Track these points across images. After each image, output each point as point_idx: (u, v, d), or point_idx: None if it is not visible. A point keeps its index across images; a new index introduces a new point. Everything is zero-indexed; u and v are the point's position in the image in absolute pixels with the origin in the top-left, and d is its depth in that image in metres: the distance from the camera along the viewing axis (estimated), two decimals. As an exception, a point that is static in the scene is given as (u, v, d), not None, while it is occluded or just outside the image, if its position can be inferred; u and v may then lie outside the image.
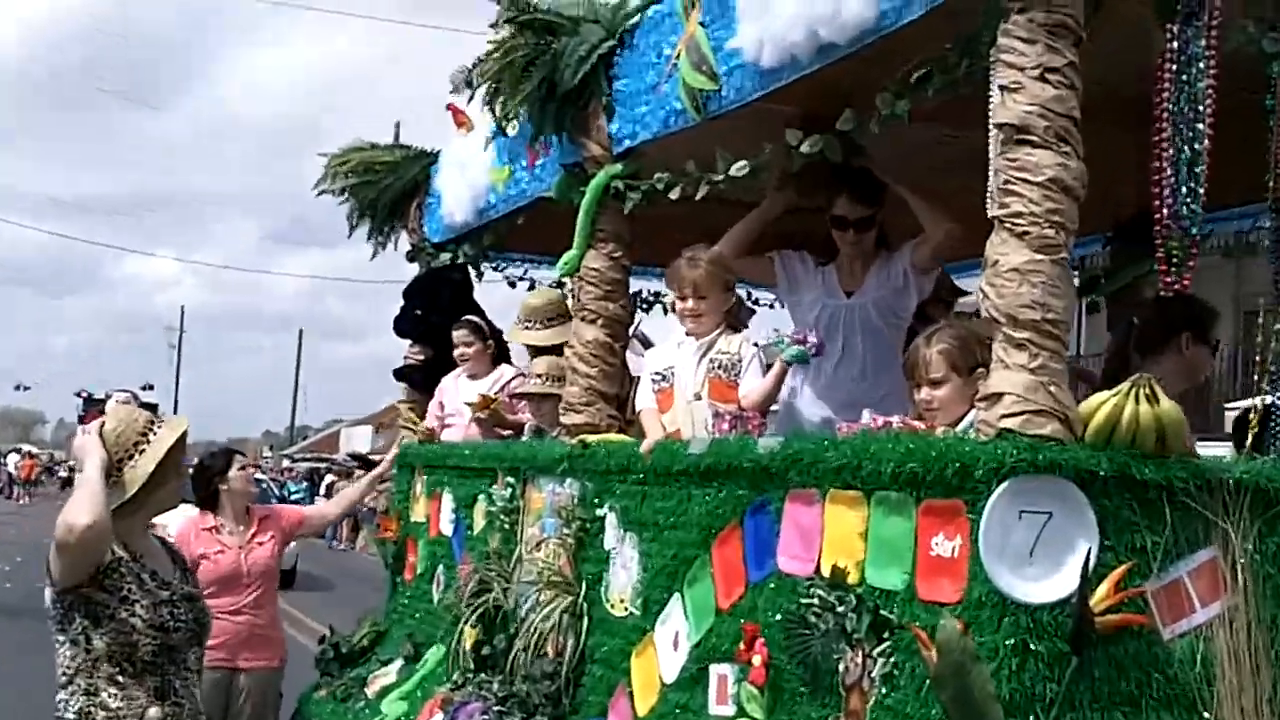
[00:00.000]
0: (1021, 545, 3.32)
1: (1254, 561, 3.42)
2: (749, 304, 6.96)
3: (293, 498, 40.47)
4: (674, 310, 5.44)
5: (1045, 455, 3.29)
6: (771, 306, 7.25)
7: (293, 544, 23.37)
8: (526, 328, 7.06)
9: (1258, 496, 3.44)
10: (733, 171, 4.91)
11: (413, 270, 8.22)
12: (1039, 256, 3.38)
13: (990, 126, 3.66)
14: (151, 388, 48.68)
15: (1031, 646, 3.28)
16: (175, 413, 61.63)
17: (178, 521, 7.42)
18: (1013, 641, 3.29)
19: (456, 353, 7.56)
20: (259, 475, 30.75)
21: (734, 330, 5.29)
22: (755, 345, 5.20)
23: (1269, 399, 4.13)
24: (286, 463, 55.04)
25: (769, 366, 5.06)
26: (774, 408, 5.29)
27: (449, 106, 7.45)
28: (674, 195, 5.26)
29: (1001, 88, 3.48)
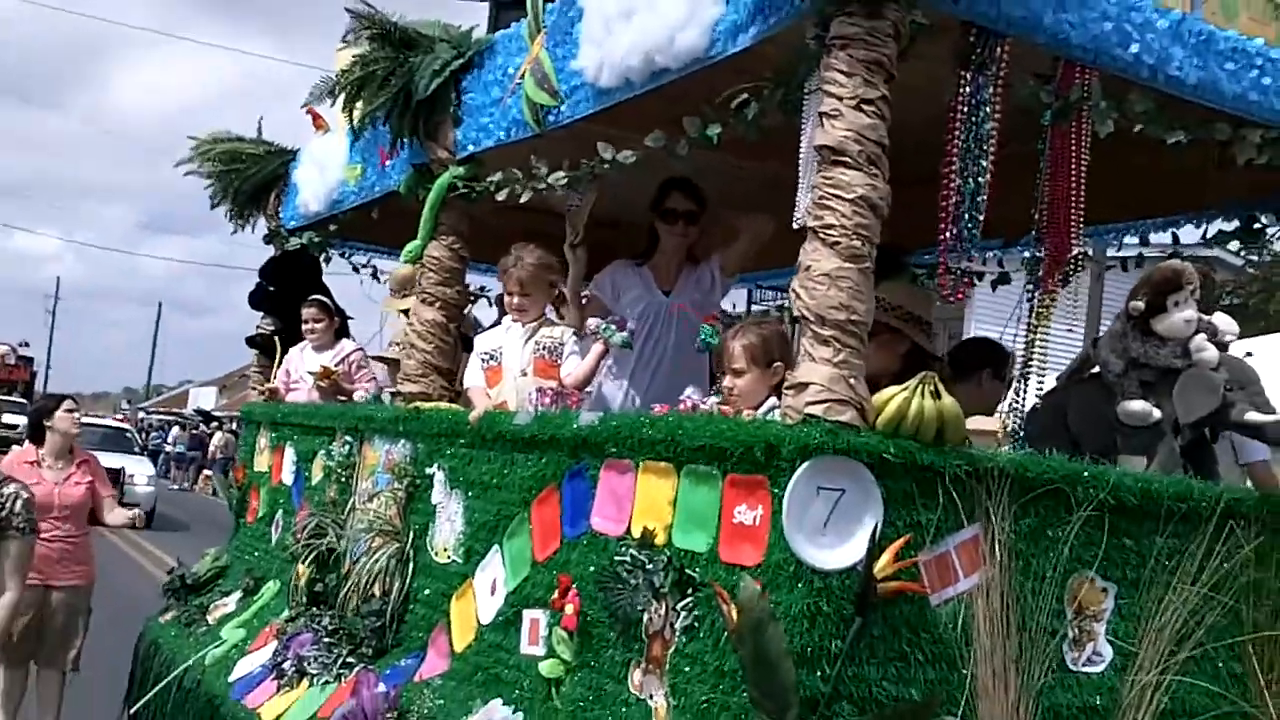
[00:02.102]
0: (817, 517, 3.04)
1: (1010, 539, 3.21)
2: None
3: (153, 444, 38.62)
4: (500, 301, 5.07)
5: (843, 439, 3.01)
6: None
7: (150, 487, 21.92)
8: (404, 296, 6.42)
9: (1017, 482, 3.22)
10: (551, 180, 4.55)
11: (266, 252, 7.66)
12: (847, 265, 3.10)
13: (801, 149, 3.39)
14: (27, 344, 45.91)
15: (822, 608, 3.01)
16: (48, 369, 58.61)
17: (12, 456, 7.19)
18: (806, 603, 3.01)
19: (305, 326, 7.06)
20: (124, 426, 29.06)
21: (555, 319, 4.95)
22: (576, 335, 4.86)
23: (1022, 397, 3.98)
24: (141, 414, 52.46)
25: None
26: (588, 389, 4.94)
27: (308, 110, 6.92)
28: (502, 196, 4.87)
29: (822, 114, 3.18)
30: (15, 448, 7.27)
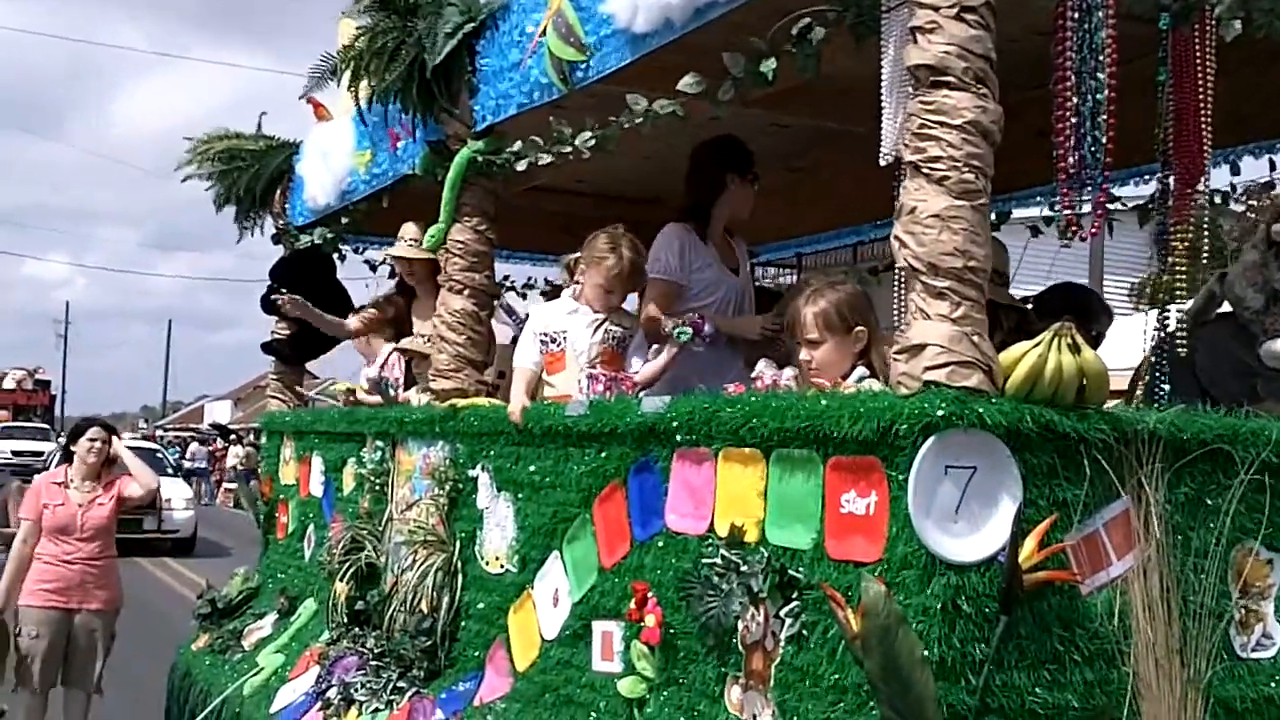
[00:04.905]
0: (947, 502, 2.56)
1: (1165, 511, 2.72)
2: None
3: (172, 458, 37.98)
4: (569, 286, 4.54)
5: (972, 409, 2.52)
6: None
7: (189, 511, 20.18)
8: (411, 246, 5.77)
9: (1169, 446, 2.73)
10: (578, 143, 4.03)
11: (275, 253, 7.15)
12: (959, 202, 2.60)
13: (884, 74, 2.90)
14: (42, 369, 45.61)
15: (961, 607, 2.53)
16: (64, 392, 58.21)
17: (42, 476, 7.26)
18: (942, 602, 2.52)
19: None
20: (153, 446, 28.17)
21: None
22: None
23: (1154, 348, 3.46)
24: (160, 432, 51.94)
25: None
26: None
27: (309, 100, 6.41)
28: (521, 166, 4.39)
29: (915, 29, 2.69)
30: (37, 477, 7.19)
